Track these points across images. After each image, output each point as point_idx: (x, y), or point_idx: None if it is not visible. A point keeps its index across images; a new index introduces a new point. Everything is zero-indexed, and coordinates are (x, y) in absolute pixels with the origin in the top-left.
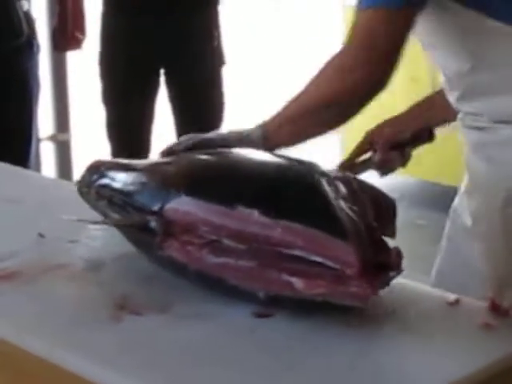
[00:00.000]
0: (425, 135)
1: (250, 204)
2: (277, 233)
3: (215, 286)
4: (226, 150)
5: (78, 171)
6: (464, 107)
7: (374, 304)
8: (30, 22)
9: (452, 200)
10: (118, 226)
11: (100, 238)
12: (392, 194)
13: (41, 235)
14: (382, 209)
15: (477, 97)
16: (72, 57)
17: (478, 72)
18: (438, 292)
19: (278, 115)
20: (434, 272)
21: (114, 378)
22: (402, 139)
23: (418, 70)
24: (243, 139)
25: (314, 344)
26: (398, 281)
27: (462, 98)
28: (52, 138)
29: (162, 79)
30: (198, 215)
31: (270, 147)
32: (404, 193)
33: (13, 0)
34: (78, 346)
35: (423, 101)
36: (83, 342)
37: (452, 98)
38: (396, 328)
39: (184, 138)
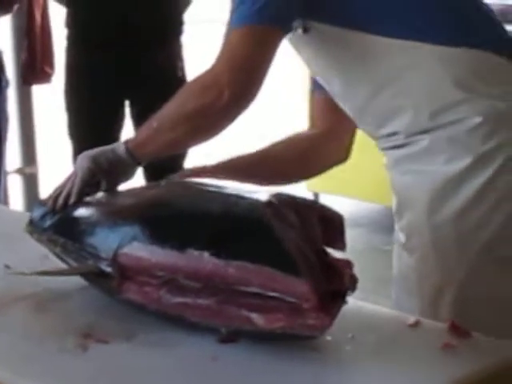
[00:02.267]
0: None
1: (200, 246)
2: (230, 273)
3: (176, 322)
4: (172, 185)
5: None
6: (380, 131)
7: (334, 329)
8: None
9: None
10: (75, 274)
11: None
12: (358, 221)
13: (7, 267)
14: (329, 224)
15: (390, 118)
16: (38, 90)
17: (382, 93)
18: (398, 314)
19: (142, 130)
20: (392, 296)
21: None
22: None
23: None
24: (111, 158)
25: (274, 370)
26: (359, 305)
27: (375, 122)
28: (19, 171)
29: (128, 111)
30: (151, 260)
31: (135, 159)
32: (369, 219)
33: None
34: (45, 374)
35: (252, 153)
36: (50, 371)
37: (365, 125)
38: (356, 352)
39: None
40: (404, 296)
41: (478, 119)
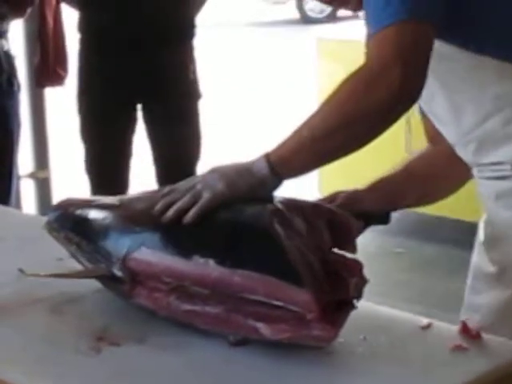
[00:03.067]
0: (381, 217)
1: (206, 254)
2: (235, 281)
3: (186, 327)
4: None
5: None
6: (482, 159)
7: (346, 331)
8: (9, 61)
9: (428, 227)
10: (87, 277)
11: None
12: None
13: (21, 270)
14: (340, 227)
15: (497, 144)
16: (51, 93)
17: (491, 119)
18: (410, 316)
19: (287, 141)
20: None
21: None
22: (355, 210)
23: None
24: (251, 183)
25: (286, 372)
26: (371, 306)
27: (479, 149)
28: (32, 176)
29: (140, 114)
30: (159, 266)
31: (279, 178)
32: None
33: None
34: (59, 377)
35: (396, 173)
36: (64, 373)
37: (466, 151)
38: (368, 353)
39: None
40: (497, 323)
41: None
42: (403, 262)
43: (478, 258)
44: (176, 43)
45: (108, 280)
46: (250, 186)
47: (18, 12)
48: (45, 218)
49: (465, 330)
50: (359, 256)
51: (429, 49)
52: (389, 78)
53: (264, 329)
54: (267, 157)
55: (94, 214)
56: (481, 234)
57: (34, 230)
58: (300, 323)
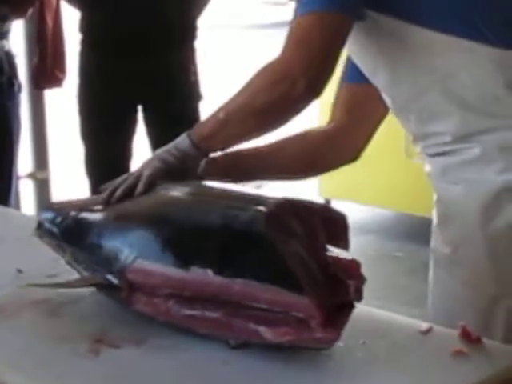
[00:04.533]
0: None
1: (203, 264)
2: (235, 290)
3: (186, 331)
4: (170, 196)
5: None
6: (423, 129)
7: (345, 335)
8: (10, 61)
9: (427, 231)
10: (85, 286)
11: (76, 273)
12: (369, 227)
13: (19, 271)
14: (333, 224)
15: (437, 117)
16: (50, 94)
17: (431, 90)
18: (409, 321)
19: (207, 122)
20: (429, 311)
21: None
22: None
23: None
24: (178, 156)
25: (285, 375)
26: (370, 311)
27: (420, 120)
28: (31, 176)
29: (141, 116)
30: (157, 277)
31: (202, 152)
32: (381, 225)
33: None
34: (57, 379)
35: (264, 147)
36: (63, 375)
37: (408, 122)
38: (368, 358)
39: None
40: (449, 308)
41: None
42: (401, 266)
43: (434, 242)
44: (178, 45)
45: (105, 287)
46: (178, 159)
47: (18, 13)
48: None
49: (465, 334)
50: (357, 259)
51: (342, 43)
52: (291, 74)
53: (265, 332)
54: (189, 135)
55: (86, 222)
56: (434, 217)
57: (32, 231)
58: (302, 326)
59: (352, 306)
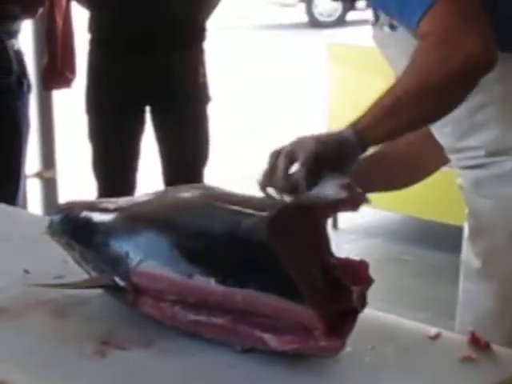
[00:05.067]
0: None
1: (206, 272)
2: (238, 300)
3: (194, 335)
4: (178, 199)
5: None
6: (460, 144)
7: (353, 340)
8: (20, 61)
9: (435, 235)
10: (91, 287)
11: (84, 274)
12: (375, 230)
13: (26, 271)
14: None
15: (473, 130)
16: (58, 93)
17: (468, 102)
18: (418, 326)
19: (371, 111)
20: (457, 323)
21: None
22: None
23: None
24: (339, 142)
25: (292, 380)
26: (378, 315)
27: (456, 136)
28: (38, 175)
29: (148, 116)
30: (162, 283)
31: (364, 144)
32: (388, 229)
33: (3, 38)
34: (62, 380)
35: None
36: (69, 376)
37: (442, 136)
38: (376, 363)
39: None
40: (477, 320)
41: None
42: (408, 269)
43: (465, 254)
44: (187, 46)
45: (111, 289)
46: (337, 143)
47: (29, 12)
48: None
49: (474, 340)
50: (365, 261)
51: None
52: (467, 45)
53: (270, 340)
54: (353, 125)
55: (95, 222)
56: (466, 229)
57: (39, 231)
58: (306, 334)
59: (356, 313)
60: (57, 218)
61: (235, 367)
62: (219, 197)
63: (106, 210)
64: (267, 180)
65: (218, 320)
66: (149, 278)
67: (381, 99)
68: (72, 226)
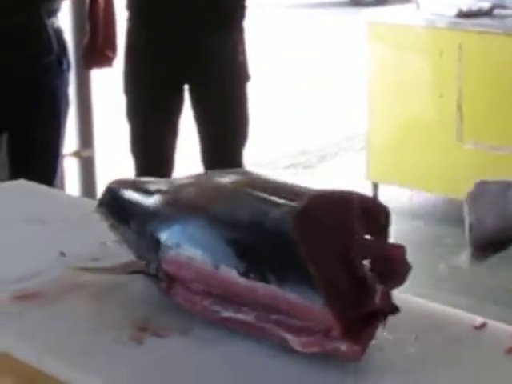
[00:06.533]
0: None
1: (231, 263)
2: (259, 294)
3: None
4: (215, 186)
5: (101, 188)
6: None
7: (397, 328)
8: (60, 39)
9: None
10: (125, 273)
11: (121, 257)
12: (417, 212)
13: (62, 254)
14: (373, 216)
15: None
16: (96, 72)
17: None
18: (463, 315)
19: None
20: None
21: None
22: None
23: (446, 87)
24: None
25: (333, 371)
26: (422, 303)
27: None
28: (76, 154)
29: (187, 95)
30: (190, 271)
31: None
32: (429, 210)
33: (43, 17)
34: (99, 368)
35: None
36: (104, 364)
37: None
38: (421, 353)
39: None
40: None
41: None
42: (451, 253)
43: None
44: (227, 23)
45: (148, 275)
46: None
47: None
48: (88, 200)
49: None
50: (403, 245)
51: None
52: None
53: (294, 342)
54: None
55: (136, 204)
56: None
57: (77, 212)
58: (327, 337)
59: (381, 316)
60: (105, 197)
61: (274, 357)
62: (255, 184)
63: (147, 192)
64: None
65: (244, 317)
66: (178, 266)
67: None
68: (116, 207)
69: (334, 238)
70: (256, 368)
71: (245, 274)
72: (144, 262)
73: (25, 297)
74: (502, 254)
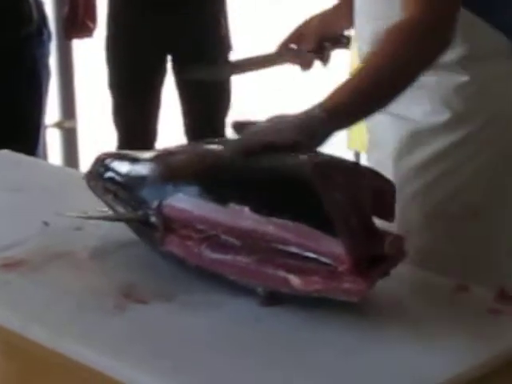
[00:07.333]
0: (344, 39)
1: (242, 201)
2: (269, 229)
3: (215, 279)
4: (221, 144)
5: (84, 158)
6: None
7: (378, 293)
8: (40, 9)
9: None
10: (122, 220)
11: (105, 226)
12: None
13: (45, 223)
14: (380, 193)
15: None
16: (78, 42)
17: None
18: (445, 280)
19: (339, 91)
20: None
21: (119, 366)
22: (329, 36)
23: None
24: (314, 130)
25: (317, 333)
26: (404, 269)
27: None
28: (58, 125)
29: (169, 66)
30: (194, 213)
31: (333, 127)
32: None
33: None
34: (83, 335)
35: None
36: (89, 331)
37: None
38: (402, 316)
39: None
40: None
41: (465, 78)
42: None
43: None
44: None
45: (141, 226)
46: (313, 134)
47: None
48: (71, 170)
49: (502, 294)
50: (403, 235)
51: None
52: (443, 30)
53: (294, 280)
54: (322, 106)
55: (132, 165)
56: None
57: (59, 181)
58: (331, 276)
59: (389, 264)
60: (97, 164)
61: (261, 320)
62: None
63: (142, 158)
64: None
65: (242, 259)
66: (181, 207)
67: (348, 81)
68: (109, 170)
69: (345, 191)
70: (244, 331)
71: (257, 210)
72: (139, 213)
73: (8, 265)
74: None
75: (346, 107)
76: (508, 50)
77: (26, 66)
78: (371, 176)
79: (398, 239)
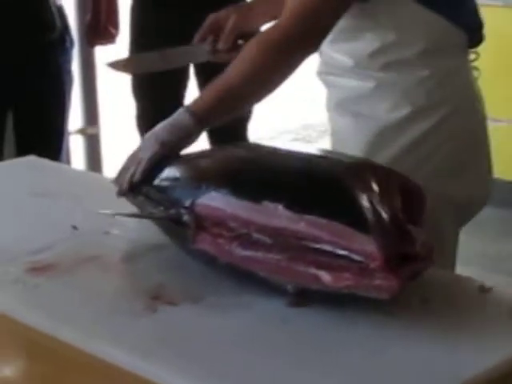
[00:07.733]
0: None
1: (276, 199)
2: (301, 227)
3: (246, 278)
4: (256, 145)
5: (107, 164)
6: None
7: (405, 293)
8: (62, 17)
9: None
10: (153, 218)
11: (133, 229)
12: None
13: (74, 228)
14: (409, 197)
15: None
16: (101, 49)
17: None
18: (470, 281)
19: (205, 94)
20: None
21: (149, 367)
22: (246, 32)
23: None
24: (179, 135)
25: (344, 334)
26: (430, 270)
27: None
28: (81, 132)
29: (192, 70)
30: (227, 211)
31: (202, 126)
32: None
33: None
34: (113, 336)
35: None
36: (119, 333)
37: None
38: (428, 316)
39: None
40: None
41: (425, 72)
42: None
43: None
44: (228, 2)
45: (173, 225)
46: (180, 138)
47: None
48: (96, 174)
49: None
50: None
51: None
52: (306, 44)
53: (325, 276)
54: (188, 108)
55: (162, 166)
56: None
57: (85, 186)
58: (362, 272)
59: (419, 264)
60: None
61: (289, 321)
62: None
63: (176, 158)
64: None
65: (273, 256)
66: (213, 206)
67: (214, 84)
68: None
69: (377, 194)
70: (270, 333)
71: (289, 207)
72: (171, 212)
73: (39, 269)
74: (505, 228)
75: (212, 104)
76: (464, 44)
77: (49, 73)
78: (401, 177)
79: (429, 243)
